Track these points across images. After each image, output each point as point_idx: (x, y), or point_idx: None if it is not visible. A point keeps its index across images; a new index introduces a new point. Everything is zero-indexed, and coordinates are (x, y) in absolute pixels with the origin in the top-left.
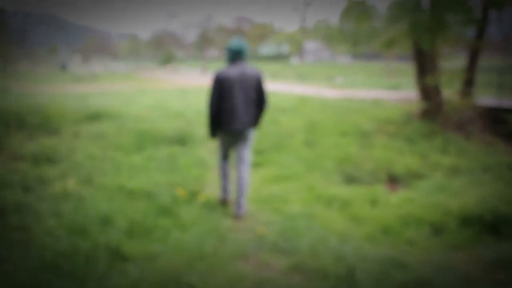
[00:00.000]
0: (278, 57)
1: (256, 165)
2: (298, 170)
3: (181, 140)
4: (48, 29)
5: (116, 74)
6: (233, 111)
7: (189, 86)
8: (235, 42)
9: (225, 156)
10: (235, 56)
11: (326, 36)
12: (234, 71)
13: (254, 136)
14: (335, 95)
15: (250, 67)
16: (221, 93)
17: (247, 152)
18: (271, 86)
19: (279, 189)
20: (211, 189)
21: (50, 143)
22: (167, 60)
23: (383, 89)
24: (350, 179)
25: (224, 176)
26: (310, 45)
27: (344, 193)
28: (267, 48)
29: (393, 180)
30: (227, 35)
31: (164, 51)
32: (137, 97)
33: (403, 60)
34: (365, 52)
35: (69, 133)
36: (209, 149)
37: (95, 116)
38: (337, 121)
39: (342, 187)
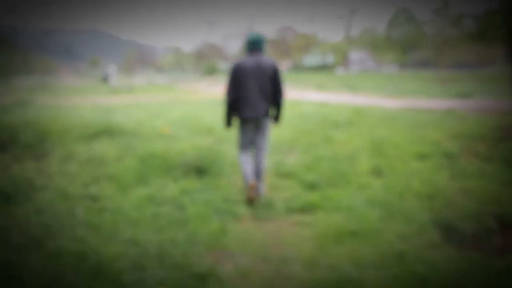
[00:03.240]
0: (323, 68)
1: (306, 208)
2: (370, 218)
3: (201, 169)
4: (95, 44)
5: (156, 86)
6: (247, 99)
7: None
8: (252, 33)
9: (243, 146)
10: (252, 47)
11: (372, 45)
12: (249, 61)
13: (270, 126)
14: (394, 105)
15: (266, 58)
16: (236, 82)
17: (264, 141)
18: (317, 96)
19: (349, 261)
20: (239, 259)
21: (28, 170)
22: (209, 71)
23: (448, 98)
24: (449, 231)
25: (244, 165)
26: (355, 55)
27: (455, 272)
28: (311, 59)
29: (507, 227)
30: (270, 46)
31: (206, 62)
32: (168, 109)
33: (456, 68)
34: (413, 60)
35: (59, 156)
36: (238, 183)
37: (103, 132)
38: (409, 138)
39: (444, 253)
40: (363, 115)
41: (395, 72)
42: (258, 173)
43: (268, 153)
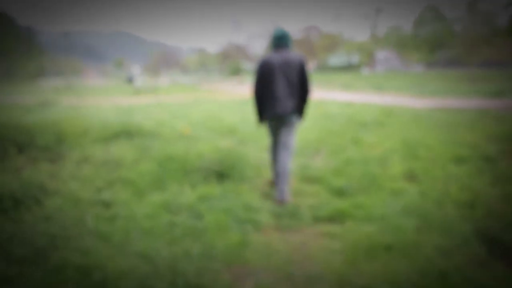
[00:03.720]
0: (348, 68)
1: (335, 216)
2: (406, 229)
3: (222, 173)
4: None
5: (180, 86)
6: (274, 96)
7: (251, 98)
8: (277, 29)
9: (274, 141)
10: (278, 42)
11: (398, 44)
12: (276, 57)
13: (298, 124)
14: (423, 105)
15: (293, 53)
16: (263, 78)
17: (290, 139)
18: (343, 96)
19: (384, 280)
20: (260, 277)
21: (42, 173)
22: (233, 71)
23: (479, 97)
24: (494, 245)
25: (278, 171)
26: (381, 55)
27: None
28: (336, 58)
29: None
30: (295, 46)
31: (230, 63)
32: (190, 109)
33: (486, 67)
34: (440, 59)
35: (75, 159)
36: (260, 188)
37: (121, 134)
38: (443, 140)
39: (491, 270)
40: (392, 115)
41: (422, 71)
42: (282, 175)
43: (294, 153)
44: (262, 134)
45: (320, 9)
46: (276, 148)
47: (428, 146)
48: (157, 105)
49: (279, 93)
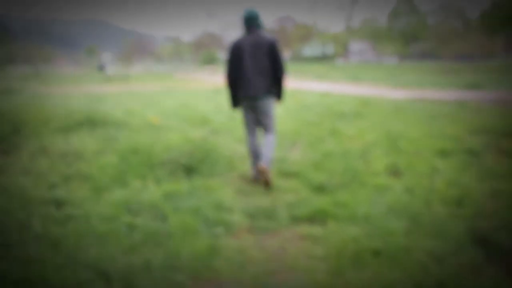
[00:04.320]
0: (323, 58)
1: (316, 216)
2: (394, 231)
3: (191, 167)
4: (94, 33)
5: (154, 75)
6: (245, 77)
7: (225, 87)
8: (247, 10)
9: (248, 127)
10: (249, 24)
11: (373, 35)
12: (247, 39)
13: (274, 105)
14: (401, 96)
15: (264, 35)
16: (234, 61)
17: (270, 121)
18: (319, 86)
19: (373, 286)
20: None
21: None
22: (207, 60)
23: (456, 88)
24: (489, 248)
25: (253, 153)
26: (356, 46)
27: None
28: (311, 49)
29: None
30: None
31: (205, 52)
32: (162, 98)
33: (458, 60)
34: (413, 51)
35: (31, 150)
36: (234, 184)
37: (85, 123)
38: (426, 132)
39: (490, 278)
40: (371, 106)
41: (395, 63)
42: (267, 151)
43: (276, 135)
44: (236, 124)
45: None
46: (253, 131)
47: (410, 139)
48: (128, 94)
49: (249, 75)
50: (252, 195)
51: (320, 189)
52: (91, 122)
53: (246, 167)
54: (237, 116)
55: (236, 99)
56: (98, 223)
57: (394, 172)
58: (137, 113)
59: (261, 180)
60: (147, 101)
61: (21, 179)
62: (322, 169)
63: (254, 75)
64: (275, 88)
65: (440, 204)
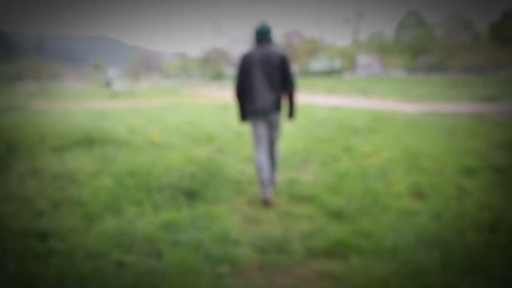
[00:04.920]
0: (330, 72)
1: (335, 248)
2: (429, 268)
3: (193, 192)
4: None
5: (160, 90)
6: (254, 91)
7: (232, 102)
8: (260, 23)
9: (257, 141)
10: (260, 37)
11: (380, 49)
12: (257, 52)
13: (281, 121)
14: (413, 109)
15: (275, 48)
16: (244, 73)
17: (275, 137)
18: (328, 101)
19: None
20: None
21: None
22: (215, 76)
23: (468, 101)
24: None
25: (260, 168)
26: (363, 59)
27: None
28: (318, 63)
29: None
30: None
31: (212, 67)
32: (167, 114)
33: (466, 72)
34: (421, 64)
35: (21, 171)
36: (241, 210)
37: (83, 142)
38: (446, 148)
39: None
40: (383, 120)
41: (403, 76)
42: (271, 166)
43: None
44: (244, 142)
45: (301, 14)
46: (261, 147)
47: (431, 156)
48: (133, 110)
49: (259, 88)
50: (262, 224)
51: (337, 215)
52: (89, 141)
53: (255, 190)
54: (245, 132)
55: (245, 112)
56: (84, 260)
57: (418, 194)
58: (140, 130)
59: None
60: (151, 118)
61: (3, 206)
62: (339, 192)
63: (265, 88)
64: (288, 105)
65: (473, 231)
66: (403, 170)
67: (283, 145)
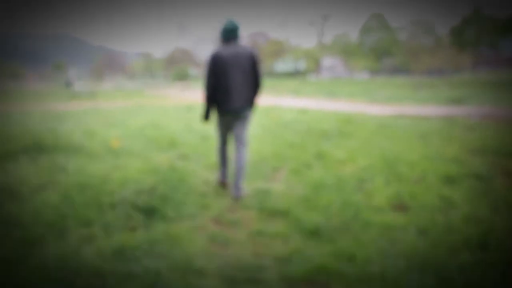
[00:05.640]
0: (295, 74)
1: (317, 277)
2: None
3: (151, 209)
4: (65, 49)
5: (123, 91)
6: (228, 90)
7: (197, 103)
8: (229, 21)
9: (223, 140)
10: (228, 36)
11: (344, 51)
12: (228, 50)
13: (251, 117)
14: (382, 112)
15: (243, 46)
16: (215, 73)
17: (245, 133)
18: (295, 102)
19: None
20: None
21: None
22: (179, 76)
23: (437, 103)
24: None
25: (223, 161)
26: (327, 61)
27: None
28: (283, 65)
29: None
30: None
31: (177, 68)
32: (129, 116)
33: (428, 74)
34: (384, 67)
35: None
36: (206, 229)
37: (31, 148)
38: (422, 154)
39: None
40: (353, 124)
41: (366, 78)
42: (239, 170)
43: (248, 149)
44: (209, 146)
45: (267, 15)
46: (226, 147)
47: (409, 163)
48: (93, 112)
49: (234, 87)
50: (231, 246)
51: (315, 234)
52: (38, 147)
53: (221, 203)
54: (211, 136)
55: (210, 112)
56: None
57: (400, 206)
58: (98, 134)
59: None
60: (111, 120)
61: None
62: (315, 206)
63: (239, 87)
64: (253, 99)
65: (464, 249)
66: (382, 179)
67: (250, 150)
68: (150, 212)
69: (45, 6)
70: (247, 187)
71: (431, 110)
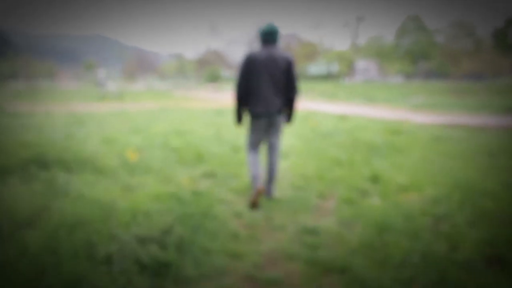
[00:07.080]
0: (328, 77)
1: None
2: None
3: (164, 263)
4: (99, 49)
5: (153, 92)
6: (259, 93)
7: (228, 106)
8: (268, 24)
9: (253, 145)
10: (266, 38)
11: (379, 54)
12: (263, 53)
13: (283, 124)
14: (429, 121)
15: (281, 50)
16: (247, 74)
17: (277, 140)
18: (331, 108)
19: None
20: None
21: None
22: (211, 78)
23: (490, 113)
24: None
25: (253, 165)
26: (361, 64)
27: None
28: (316, 67)
29: None
30: None
31: (208, 69)
32: (154, 119)
33: (466, 79)
34: (419, 70)
35: None
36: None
37: (32, 162)
38: (505, 180)
39: None
40: (403, 135)
41: (401, 82)
42: (270, 175)
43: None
44: (240, 161)
45: (300, 17)
46: (256, 149)
47: (491, 194)
48: (119, 114)
49: (264, 91)
50: None
51: None
52: (40, 162)
53: (258, 249)
54: (242, 146)
55: (243, 115)
56: None
57: (496, 258)
58: (117, 142)
59: (251, 199)
60: (135, 124)
61: None
62: (382, 259)
63: (270, 90)
64: (288, 108)
65: None
66: (463, 218)
67: (289, 167)
68: (160, 272)
69: (80, 7)
70: (289, 221)
71: (485, 119)
